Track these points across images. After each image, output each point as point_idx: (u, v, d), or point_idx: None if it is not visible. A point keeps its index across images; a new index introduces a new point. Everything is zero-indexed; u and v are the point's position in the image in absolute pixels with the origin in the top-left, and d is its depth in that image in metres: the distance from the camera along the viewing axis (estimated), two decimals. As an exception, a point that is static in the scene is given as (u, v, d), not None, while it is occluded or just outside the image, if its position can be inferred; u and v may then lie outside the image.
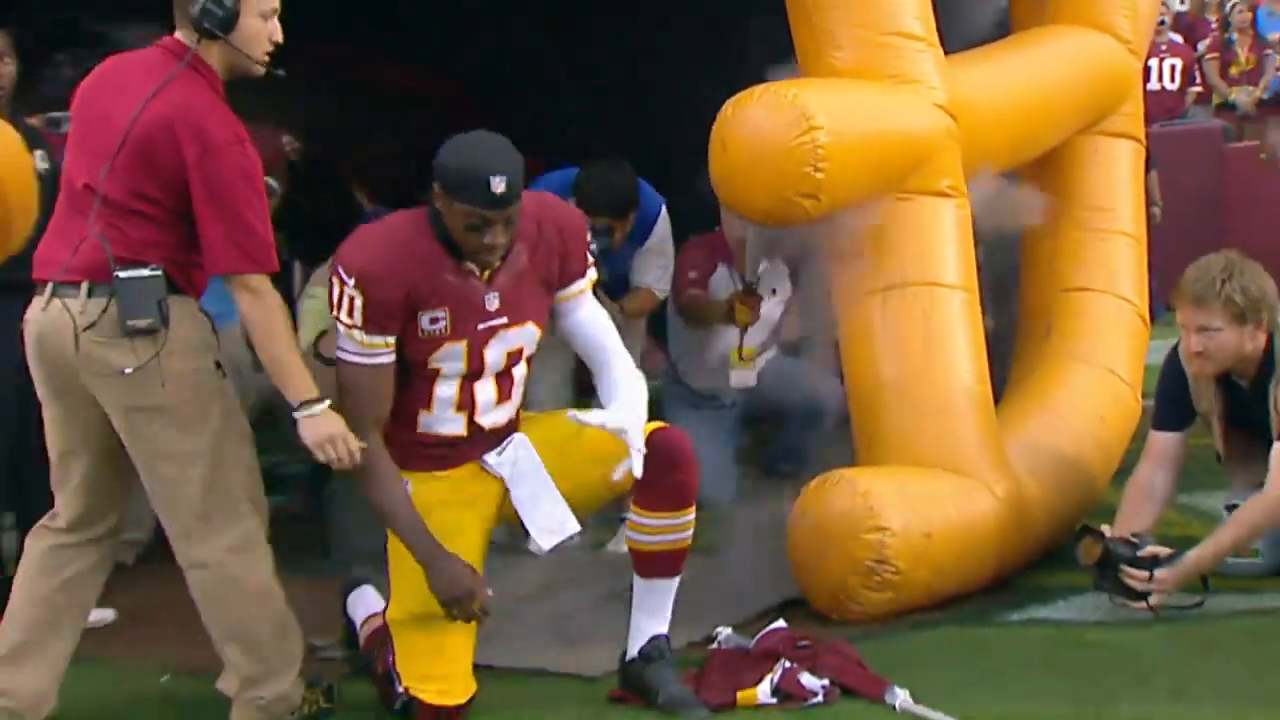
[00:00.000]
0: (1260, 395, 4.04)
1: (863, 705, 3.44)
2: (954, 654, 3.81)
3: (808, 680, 3.48)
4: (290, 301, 4.54)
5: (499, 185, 3.11)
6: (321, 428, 3.18)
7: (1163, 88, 11.02)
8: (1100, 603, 4.14)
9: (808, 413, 5.45)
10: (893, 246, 4.34)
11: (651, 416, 3.37)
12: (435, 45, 5.98)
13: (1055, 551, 4.53)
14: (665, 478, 3.31)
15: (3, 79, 4.16)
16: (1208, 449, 4.39)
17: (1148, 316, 5.30)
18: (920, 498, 4.13)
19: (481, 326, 3.29)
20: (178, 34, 3.21)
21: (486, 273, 3.28)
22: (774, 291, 5.55)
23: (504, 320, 3.31)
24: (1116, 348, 5.06)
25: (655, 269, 5.16)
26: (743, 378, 5.45)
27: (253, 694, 3.29)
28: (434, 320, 3.26)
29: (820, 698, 3.46)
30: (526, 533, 3.39)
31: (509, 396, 3.40)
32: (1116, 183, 5.24)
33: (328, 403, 3.19)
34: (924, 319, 4.34)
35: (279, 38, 3.22)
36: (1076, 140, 5.15)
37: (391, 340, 3.25)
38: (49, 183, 4.02)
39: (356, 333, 3.21)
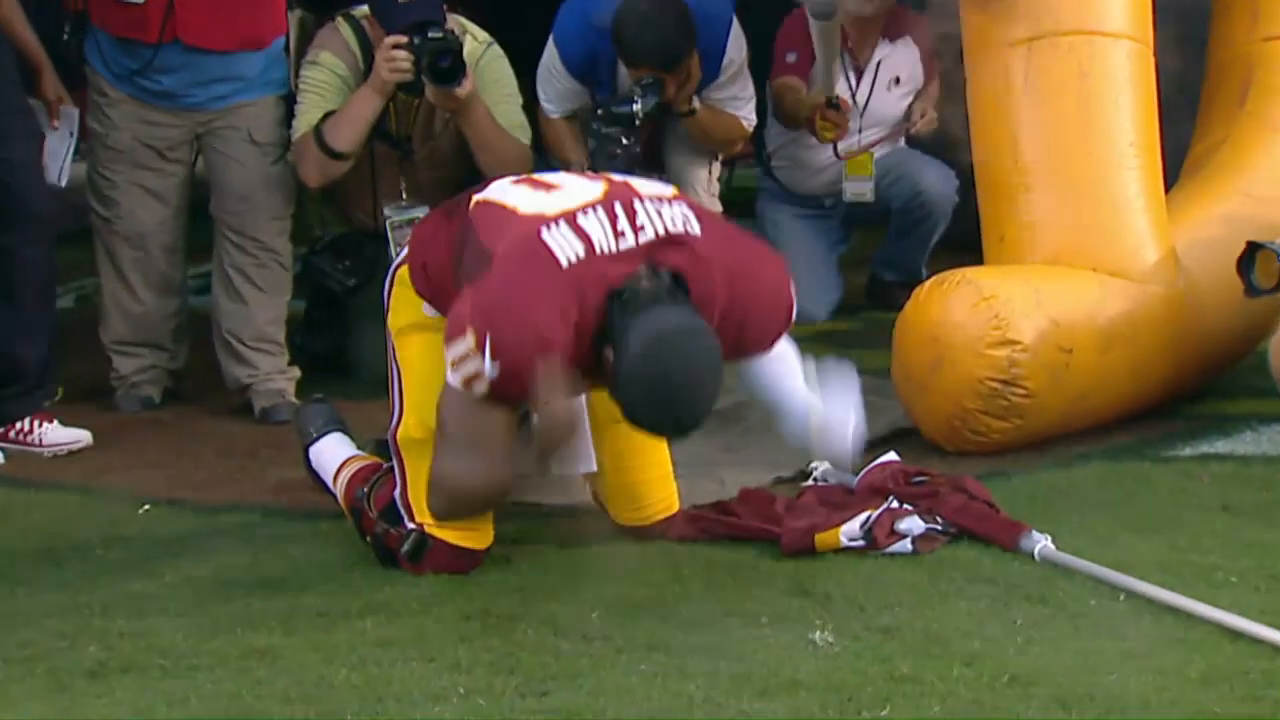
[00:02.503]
0: None
1: (992, 553, 3.49)
2: (1108, 494, 3.86)
3: (904, 524, 3.54)
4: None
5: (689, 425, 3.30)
6: None
7: None
8: (1297, 435, 4.18)
9: (925, 210, 5.48)
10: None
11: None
12: None
13: (1237, 373, 4.57)
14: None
15: None
16: None
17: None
18: (1060, 303, 4.15)
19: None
20: None
21: None
22: (896, 81, 5.54)
23: None
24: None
25: (735, 103, 5.24)
26: (857, 188, 5.53)
27: None
28: None
29: (909, 545, 3.51)
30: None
31: None
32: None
33: None
34: (1079, 76, 4.31)
35: None
36: None
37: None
38: None
39: (477, 385, 3.25)
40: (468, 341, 3.22)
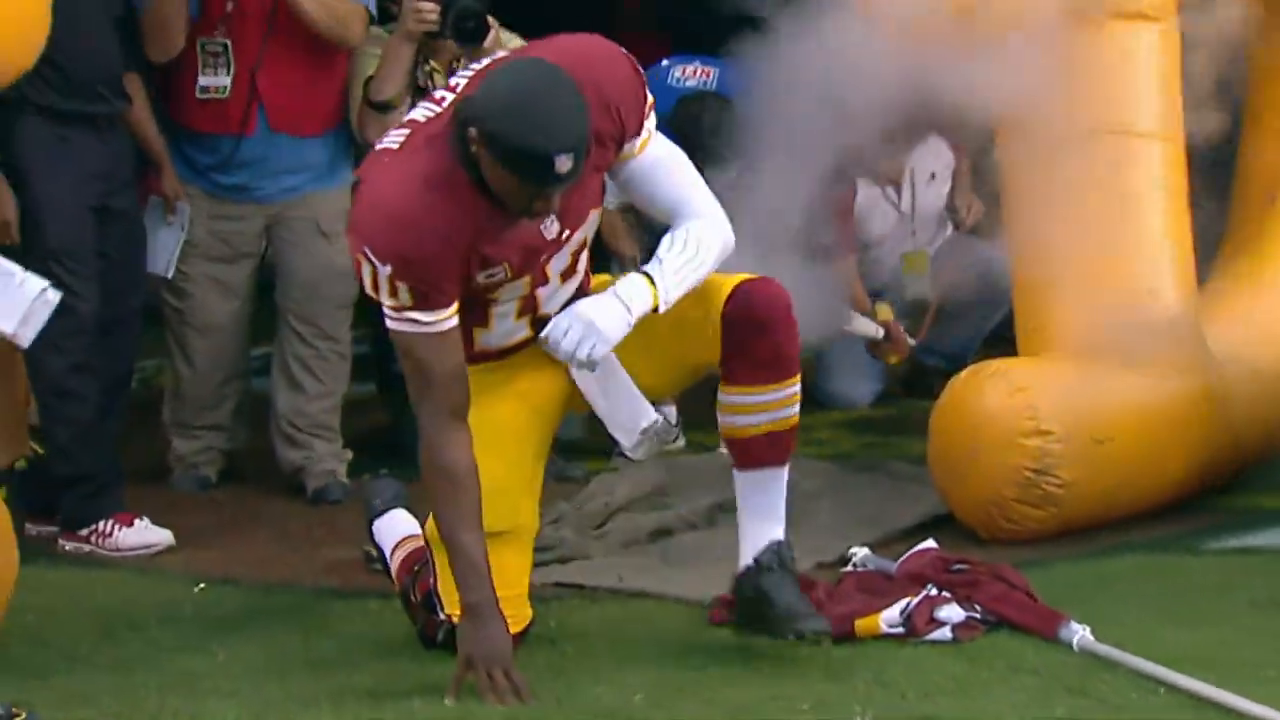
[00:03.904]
0: None
1: (1032, 643, 3.42)
2: (1146, 586, 3.81)
3: (944, 612, 3.47)
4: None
5: (564, 164, 3.02)
6: None
7: None
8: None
9: (969, 300, 5.44)
10: (1075, 85, 4.25)
11: None
12: None
13: (1272, 466, 4.50)
14: (754, 342, 3.27)
15: None
16: None
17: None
18: (1093, 395, 4.12)
19: (543, 253, 3.27)
20: None
21: None
22: (932, 176, 5.52)
23: (565, 234, 3.27)
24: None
25: None
26: (916, 286, 5.54)
27: None
28: (490, 275, 3.23)
29: (948, 633, 3.44)
30: (610, 435, 3.39)
31: (573, 275, 3.36)
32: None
33: None
34: (1112, 175, 4.29)
35: None
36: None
37: (453, 305, 3.18)
38: (119, 6, 4.36)
39: (408, 312, 3.14)
40: (363, 267, 3.11)
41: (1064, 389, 4.11)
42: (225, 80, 4.57)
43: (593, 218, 3.34)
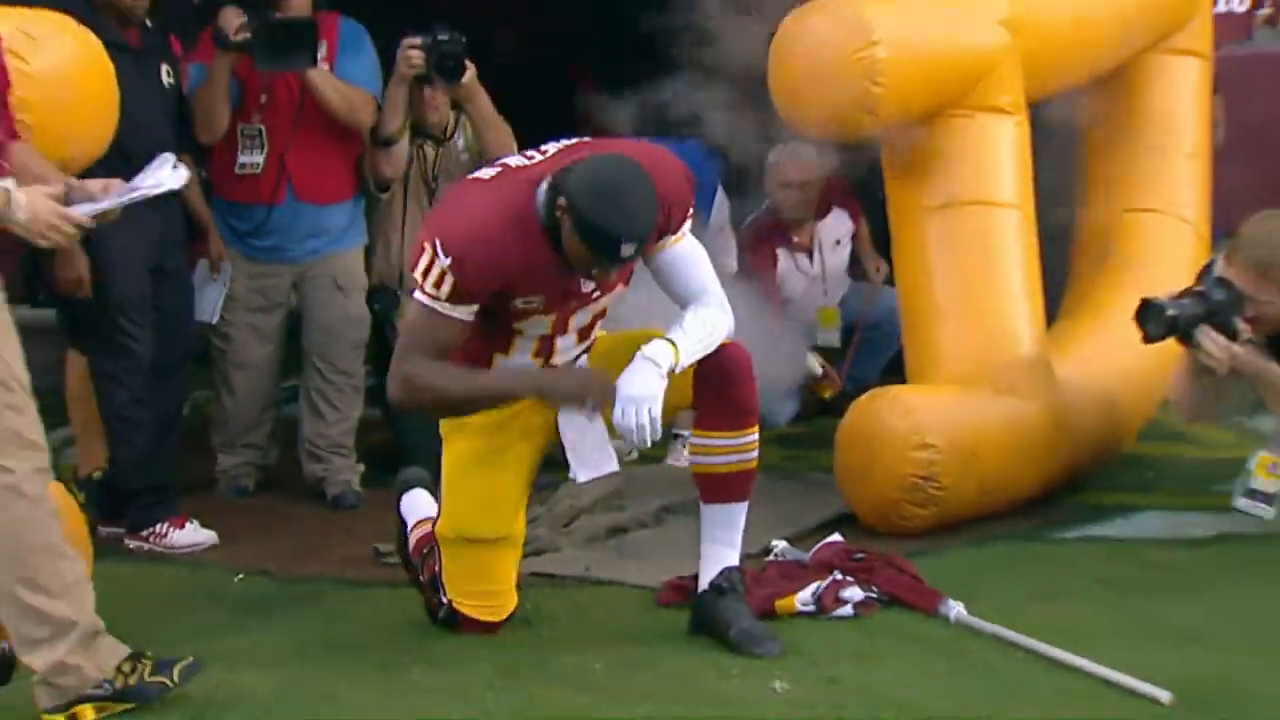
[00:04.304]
0: None
1: (917, 617, 3.44)
2: (1008, 569, 3.81)
3: (847, 593, 3.49)
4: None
5: (628, 250, 3.04)
6: (39, 217, 2.84)
7: (1231, 10, 10.77)
8: (1155, 522, 4.15)
9: (873, 341, 5.47)
10: (949, 163, 4.29)
11: None
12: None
13: (1109, 470, 4.52)
14: (722, 395, 3.25)
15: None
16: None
17: (1208, 238, 5.20)
18: (967, 415, 4.12)
19: (574, 303, 3.25)
20: None
21: None
22: (837, 242, 5.54)
23: (596, 294, 3.26)
24: (1174, 269, 4.94)
25: (723, 254, 5.16)
26: (827, 338, 5.52)
27: (37, 660, 2.90)
28: (528, 302, 3.20)
29: (851, 610, 3.45)
30: (568, 462, 3.35)
31: (588, 337, 3.35)
32: (1181, 101, 5.13)
33: (10, 182, 2.87)
34: (978, 237, 4.30)
35: None
36: (1142, 57, 5.04)
37: (476, 306, 3.13)
38: (172, 95, 4.32)
39: (440, 302, 3.10)
40: (425, 253, 3.07)
41: (944, 411, 4.11)
42: (259, 159, 4.54)
43: (619, 291, 3.31)
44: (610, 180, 3.06)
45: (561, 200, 3.05)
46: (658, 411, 3.11)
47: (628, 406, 3.10)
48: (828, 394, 5.38)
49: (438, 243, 3.07)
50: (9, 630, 2.93)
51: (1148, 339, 3.93)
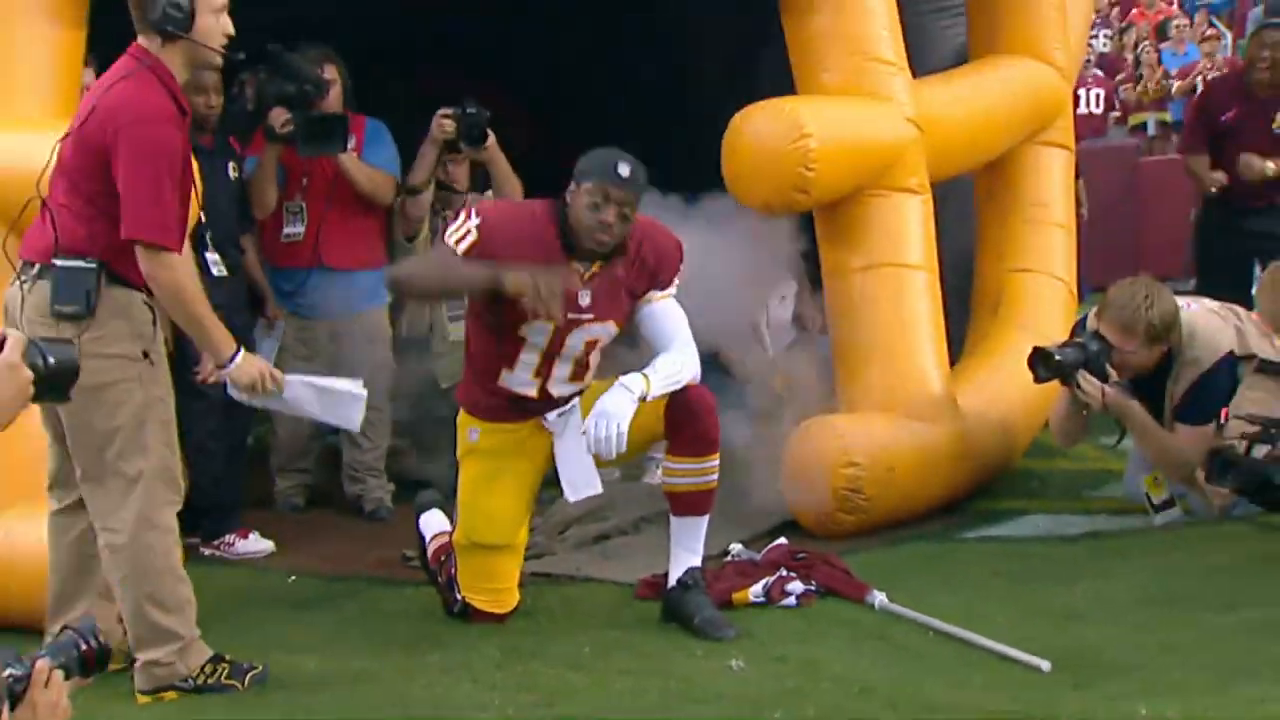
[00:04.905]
0: (1158, 388, 3.95)
1: (848, 605, 3.40)
2: (922, 565, 3.77)
3: (790, 586, 3.43)
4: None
5: (624, 169, 3.08)
6: (246, 373, 2.96)
7: (1090, 112, 10.93)
8: (1040, 523, 4.10)
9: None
10: (869, 233, 4.27)
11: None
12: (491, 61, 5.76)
13: (1002, 481, 4.48)
14: (690, 427, 3.21)
15: (214, 110, 4.16)
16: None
17: (1076, 293, 5.20)
18: (886, 438, 4.08)
19: (570, 315, 3.18)
20: (140, 40, 2.88)
21: (588, 275, 3.17)
22: (782, 298, 5.47)
23: (590, 316, 3.20)
24: (1051, 318, 4.96)
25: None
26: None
27: (144, 656, 2.93)
28: None
29: (794, 601, 3.39)
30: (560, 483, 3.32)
31: (582, 377, 3.29)
32: (1052, 183, 5.13)
33: (243, 352, 2.99)
34: (894, 293, 4.27)
35: (230, 30, 2.90)
36: (1021, 148, 5.05)
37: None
38: (237, 189, 4.27)
39: (459, 245, 3.10)
40: (461, 218, 3.11)
41: (868, 435, 4.06)
42: (300, 229, 4.45)
43: (612, 328, 3.25)
44: (606, 148, 3.13)
45: (571, 184, 3.11)
46: (625, 428, 3.07)
47: (600, 419, 3.08)
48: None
49: (474, 210, 3.15)
50: (129, 628, 2.93)
51: (1038, 380, 3.96)
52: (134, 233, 2.82)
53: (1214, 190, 5.36)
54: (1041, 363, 3.91)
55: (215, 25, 2.89)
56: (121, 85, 2.83)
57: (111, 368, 2.83)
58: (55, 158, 2.89)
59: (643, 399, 3.10)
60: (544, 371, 3.25)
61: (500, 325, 3.18)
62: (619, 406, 3.08)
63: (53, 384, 1.81)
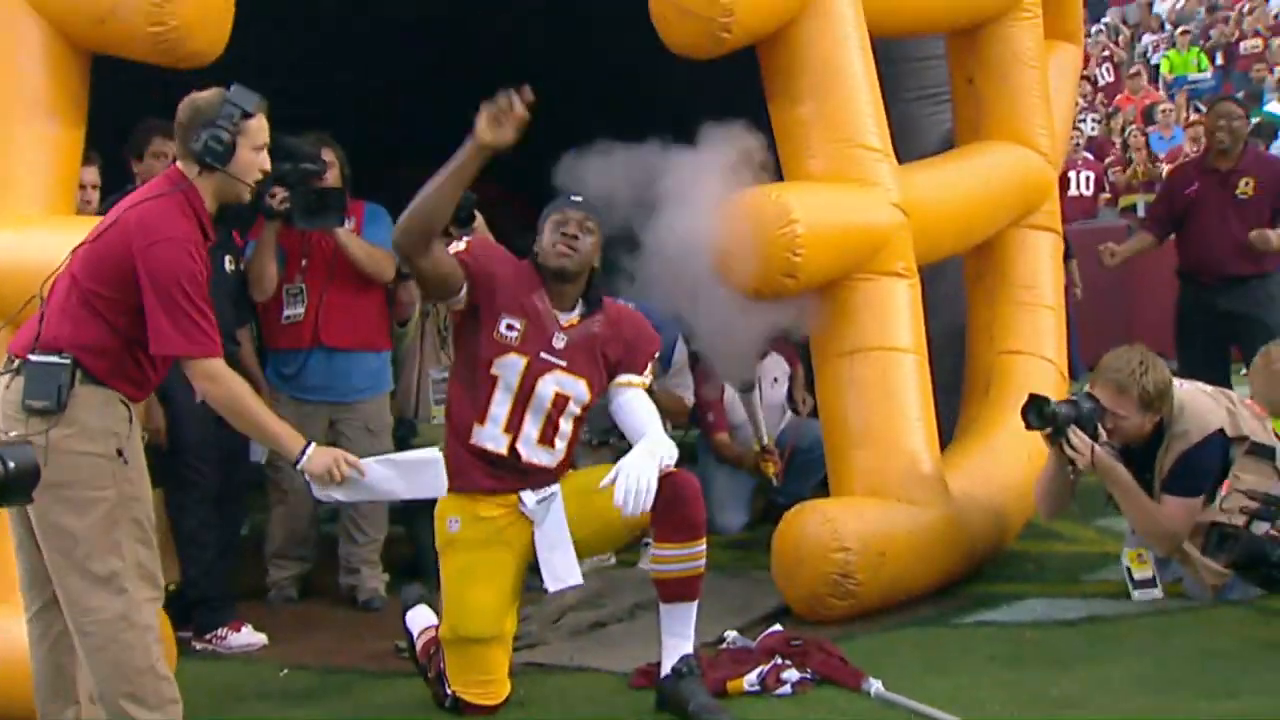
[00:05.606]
0: (1148, 460, 3.98)
1: (844, 693, 3.36)
2: (917, 650, 3.73)
3: (786, 675, 3.40)
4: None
5: (576, 197, 3.32)
6: (319, 465, 2.96)
7: (1080, 194, 11.07)
8: (1036, 607, 4.06)
9: (805, 463, 5.37)
10: (857, 317, 4.30)
11: (683, 462, 3.29)
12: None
13: (998, 565, 4.44)
14: (676, 513, 3.21)
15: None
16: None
17: (1066, 374, 5.22)
18: (877, 523, 4.06)
19: (544, 355, 3.26)
20: (179, 164, 2.95)
21: (566, 324, 3.29)
22: (775, 380, 5.48)
23: (564, 364, 3.28)
24: (1041, 400, 4.98)
25: (681, 388, 5.21)
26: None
27: None
28: (510, 327, 3.26)
29: (789, 690, 3.36)
30: (539, 571, 3.31)
31: (550, 443, 3.31)
32: (1040, 266, 5.18)
33: (314, 444, 3.00)
34: (882, 377, 4.29)
35: (267, 167, 2.98)
36: (1008, 232, 5.11)
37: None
38: (233, 280, 4.27)
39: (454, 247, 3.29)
40: (461, 242, 3.32)
41: (859, 519, 4.04)
42: (300, 311, 4.44)
43: (583, 389, 3.30)
44: None
45: (536, 236, 3.34)
46: (654, 483, 3.12)
47: (629, 472, 3.12)
48: (771, 470, 5.04)
49: (470, 242, 3.34)
50: None
51: (1029, 427, 3.97)
52: (164, 349, 2.84)
53: (1115, 263, 5.88)
54: (1035, 411, 3.93)
55: (254, 161, 2.94)
56: (151, 204, 2.87)
57: (82, 465, 2.78)
58: (65, 264, 2.92)
59: (659, 458, 3.16)
60: (514, 426, 3.27)
61: (477, 359, 3.25)
62: (643, 461, 3.14)
63: (15, 487, 1.79)
